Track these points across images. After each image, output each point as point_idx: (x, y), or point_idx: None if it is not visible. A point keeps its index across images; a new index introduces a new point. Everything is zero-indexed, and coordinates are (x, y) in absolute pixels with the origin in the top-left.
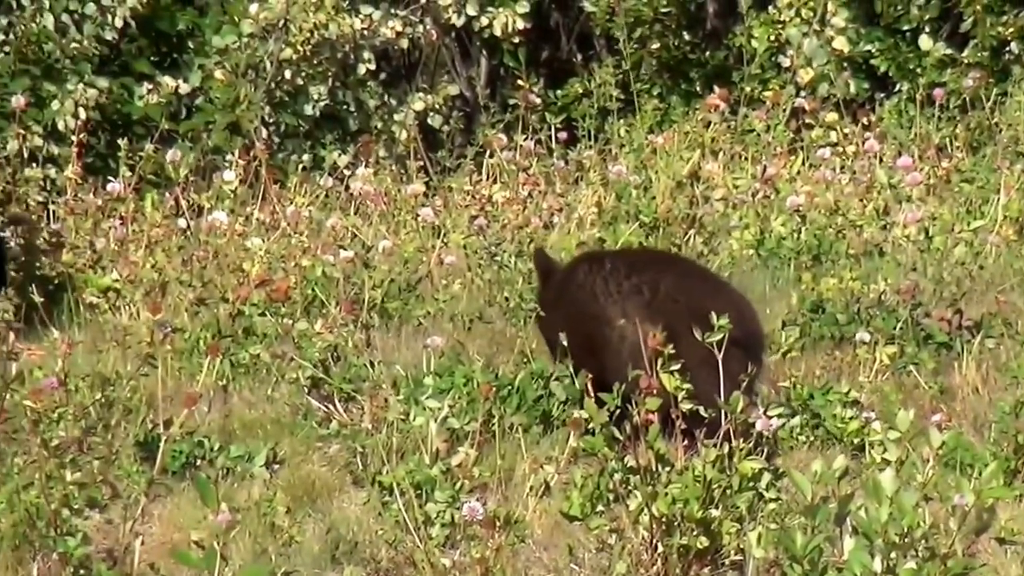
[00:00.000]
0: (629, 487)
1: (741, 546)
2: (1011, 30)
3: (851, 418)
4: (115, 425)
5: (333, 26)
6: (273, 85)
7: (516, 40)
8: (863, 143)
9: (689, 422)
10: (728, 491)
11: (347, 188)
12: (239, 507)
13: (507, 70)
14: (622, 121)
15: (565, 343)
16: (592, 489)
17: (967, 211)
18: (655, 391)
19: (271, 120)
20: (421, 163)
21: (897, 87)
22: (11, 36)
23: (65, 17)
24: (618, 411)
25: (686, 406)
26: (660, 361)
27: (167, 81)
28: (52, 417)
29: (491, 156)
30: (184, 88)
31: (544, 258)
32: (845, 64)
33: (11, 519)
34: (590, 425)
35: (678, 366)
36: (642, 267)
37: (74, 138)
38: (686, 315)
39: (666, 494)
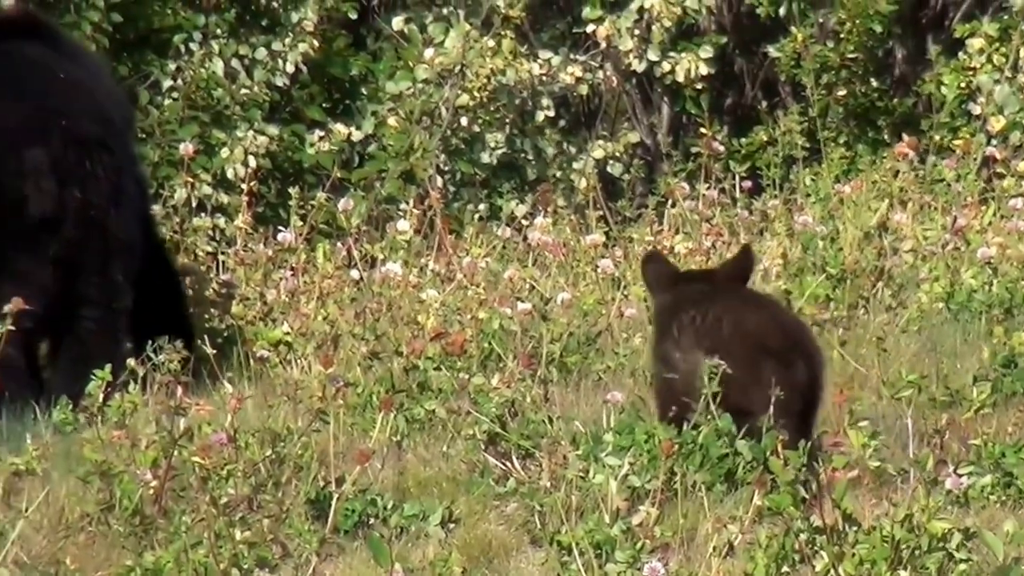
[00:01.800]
0: (815, 547)
1: None
2: None
3: None
4: (286, 482)
5: (511, 72)
6: (448, 132)
7: (699, 86)
8: None
9: None
10: (917, 552)
11: (525, 238)
12: (413, 567)
13: (689, 117)
14: (808, 170)
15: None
16: (777, 549)
17: None
18: (842, 447)
19: (446, 168)
20: (601, 213)
21: None
22: (179, 82)
23: (235, 62)
24: (803, 468)
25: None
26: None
27: (339, 128)
28: (221, 474)
29: (673, 205)
30: (357, 135)
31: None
32: None
33: None
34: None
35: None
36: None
37: (244, 186)
38: (726, 335)
39: (853, 554)
